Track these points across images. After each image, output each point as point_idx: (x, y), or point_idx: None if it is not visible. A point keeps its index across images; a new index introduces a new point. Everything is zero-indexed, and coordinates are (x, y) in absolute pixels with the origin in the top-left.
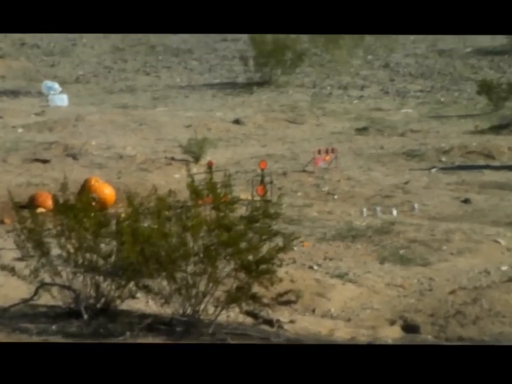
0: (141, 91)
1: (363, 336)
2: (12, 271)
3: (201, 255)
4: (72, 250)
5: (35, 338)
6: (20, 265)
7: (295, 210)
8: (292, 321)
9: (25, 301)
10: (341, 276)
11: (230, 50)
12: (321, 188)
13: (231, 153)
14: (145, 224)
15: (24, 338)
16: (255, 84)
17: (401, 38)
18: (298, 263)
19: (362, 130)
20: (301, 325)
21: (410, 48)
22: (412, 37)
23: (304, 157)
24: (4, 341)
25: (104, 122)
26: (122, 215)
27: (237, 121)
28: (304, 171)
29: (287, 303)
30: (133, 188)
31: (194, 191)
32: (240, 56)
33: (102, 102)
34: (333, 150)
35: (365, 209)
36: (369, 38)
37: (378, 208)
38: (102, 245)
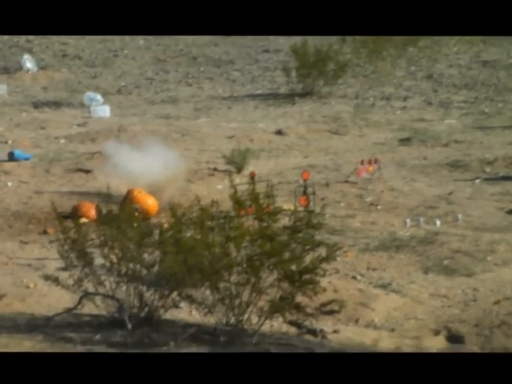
0: (183, 102)
1: (407, 347)
2: (56, 281)
3: (245, 265)
4: (115, 260)
5: (79, 348)
6: (63, 275)
7: (337, 221)
8: (335, 331)
9: (69, 310)
10: (384, 286)
11: (272, 61)
12: (364, 199)
13: (273, 164)
14: (188, 235)
15: (68, 347)
16: (297, 95)
17: (444, 48)
18: (341, 273)
19: (405, 141)
20: (344, 335)
21: (453, 58)
22: (455, 48)
23: (347, 167)
24: (49, 350)
25: (147, 133)
26: (165, 226)
27: (279, 132)
28: (347, 182)
29: (331, 313)
30: (176, 198)
31: (237, 202)
32: (282, 67)
33: (144, 112)
34: (376, 161)
35: (408, 220)
36: (412, 49)
37: (421, 219)
38: (145, 255)
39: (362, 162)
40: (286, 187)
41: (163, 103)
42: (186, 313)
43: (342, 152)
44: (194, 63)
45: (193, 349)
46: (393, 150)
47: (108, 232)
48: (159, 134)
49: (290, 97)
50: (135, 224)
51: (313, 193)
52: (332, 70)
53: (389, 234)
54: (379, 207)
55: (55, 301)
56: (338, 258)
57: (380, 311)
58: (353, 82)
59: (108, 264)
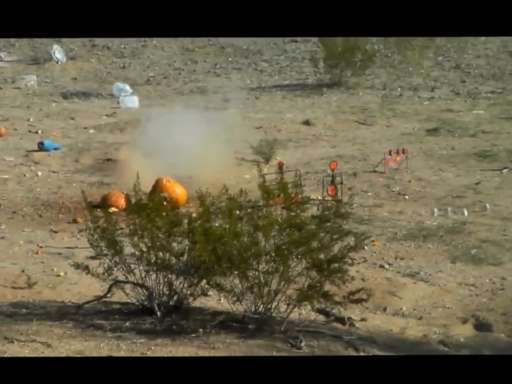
0: (212, 92)
1: (435, 334)
2: (86, 269)
3: (273, 254)
4: (144, 249)
5: (109, 335)
6: (93, 264)
7: (365, 211)
8: (363, 319)
9: (99, 298)
10: (412, 275)
11: (300, 51)
12: (392, 188)
13: (301, 154)
14: (217, 224)
15: (98, 334)
16: (325, 86)
17: (472, 39)
18: (369, 262)
19: (433, 131)
20: (372, 323)
21: (481, 49)
22: (483, 38)
23: (375, 157)
24: (78, 337)
25: (175, 124)
26: (194, 215)
27: (306, 122)
28: (374, 171)
29: (359, 301)
30: (204, 187)
31: (266, 191)
32: (310, 58)
33: (173, 103)
34: (403, 151)
35: (435, 209)
36: (439, 39)
37: (449, 209)
38: (174, 244)
39: (390, 153)
40: (314, 177)
41: (191, 94)
42: (215, 301)
43: (369, 142)
44: (222, 54)
45: (222, 336)
46: (420, 140)
47: (137, 221)
48: (187, 124)
49: (318, 87)
50: (164, 213)
51: (341, 183)
52: (360, 61)
53: (416, 224)
54: (406, 197)
55: (85, 289)
56: (366, 248)
57: (407, 300)
58: (381, 73)
59: (137, 253)
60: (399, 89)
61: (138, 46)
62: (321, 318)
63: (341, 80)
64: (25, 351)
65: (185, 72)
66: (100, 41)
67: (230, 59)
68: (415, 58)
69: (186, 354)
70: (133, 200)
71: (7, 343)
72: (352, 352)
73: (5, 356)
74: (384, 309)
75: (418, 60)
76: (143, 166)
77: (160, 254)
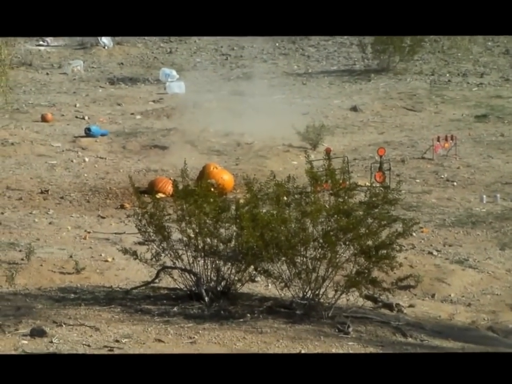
0: (258, 78)
1: (483, 321)
2: (134, 254)
3: (321, 240)
4: (192, 234)
5: (157, 319)
6: (140, 249)
7: (413, 197)
8: (411, 306)
9: (147, 283)
10: (461, 262)
11: (347, 37)
12: (440, 175)
13: (348, 140)
14: (265, 210)
15: (146, 319)
16: (372, 71)
17: None
18: (417, 249)
19: (482, 118)
20: (420, 309)
21: None
22: None
23: (423, 144)
24: (126, 322)
25: (222, 110)
26: (242, 201)
27: (354, 109)
28: (423, 158)
29: (407, 287)
30: (251, 174)
31: (314, 177)
32: (358, 43)
33: (219, 89)
34: (452, 137)
35: (484, 196)
36: None
37: (498, 195)
38: (222, 230)
39: (438, 139)
40: (361, 163)
41: (238, 80)
42: (262, 287)
43: (417, 129)
44: (269, 39)
45: (270, 321)
46: (469, 126)
47: (185, 207)
48: (234, 110)
49: (366, 73)
50: (212, 199)
51: (389, 170)
52: (408, 46)
53: (465, 210)
54: (455, 183)
55: (133, 274)
56: (414, 234)
57: (456, 286)
58: (430, 58)
59: (185, 238)
60: (447, 75)
61: None
62: (369, 304)
63: (389, 65)
64: (74, 335)
65: (232, 58)
66: None
67: (277, 44)
68: (464, 44)
69: (234, 338)
70: (181, 186)
71: (55, 326)
72: (400, 338)
73: (54, 339)
74: (433, 296)
75: (468, 45)
76: (190, 152)
77: (208, 240)
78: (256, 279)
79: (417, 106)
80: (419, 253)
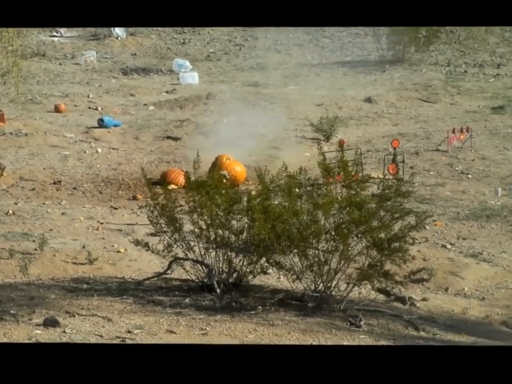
0: (272, 69)
1: (497, 315)
2: (146, 246)
3: (333, 233)
4: (204, 226)
5: (169, 310)
6: (153, 241)
7: (427, 190)
8: (424, 299)
9: (159, 274)
10: (475, 256)
11: (362, 27)
12: (455, 167)
13: (362, 132)
14: (276, 202)
15: (158, 310)
16: (387, 62)
17: None
18: (431, 242)
19: (498, 109)
20: (433, 302)
21: None
22: None
23: (438, 136)
24: (138, 313)
25: (235, 101)
26: (253, 193)
27: (368, 100)
28: (437, 150)
29: (420, 281)
30: (263, 165)
31: (326, 169)
32: (373, 34)
33: (233, 80)
34: (467, 129)
35: (499, 189)
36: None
37: None
38: (234, 222)
39: (453, 131)
40: (375, 155)
41: (252, 70)
42: (274, 279)
43: (432, 120)
44: (283, 30)
45: (281, 314)
46: (485, 118)
47: (197, 199)
48: (247, 101)
49: (381, 64)
50: (223, 191)
51: (403, 162)
52: (424, 36)
53: (479, 204)
54: (470, 176)
55: (145, 265)
56: (428, 227)
57: (470, 280)
58: (445, 49)
59: (197, 230)
60: (464, 65)
61: None
62: (381, 297)
63: (404, 56)
64: (86, 325)
65: (246, 48)
66: None
67: (291, 35)
68: (481, 34)
69: (245, 330)
70: (193, 178)
71: (68, 317)
72: (412, 332)
73: (67, 329)
74: (446, 289)
75: (484, 36)
76: (203, 143)
77: (220, 231)
78: (268, 271)
79: (432, 98)
80: (432, 246)
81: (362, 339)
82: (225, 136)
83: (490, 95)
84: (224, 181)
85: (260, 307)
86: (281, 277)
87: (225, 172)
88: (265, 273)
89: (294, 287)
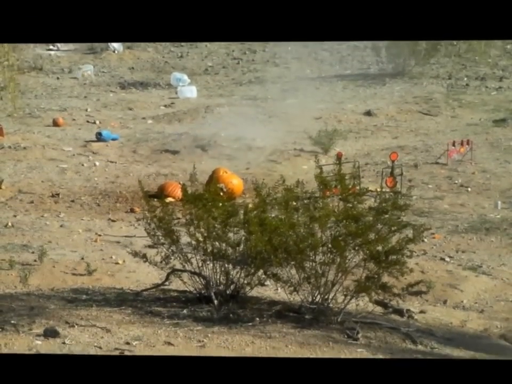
0: (270, 83)
1: (496, 328)
2: (144, 257)
3: (330, 245)
4: (201, 238)
5: (167, 322)
6: (150, 252)
7: (425, 203)
8: (422, 311)
9: (157, 285)
10: (474, 268)
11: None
12: (454, 180)
13: (361, 145)
14: (273, 214)
15: (156, 321)
16: (387, 75)
17: None
18: (429, 255)
19: (500, 122)
20: (431, 315)
21: None
22: None
23: (437, 149)
24: (137, 324)
25: (233, 114)
26: (250, 205)
27: (368, 113)
28: (436, 163)
29: (418, 293)
30: (261, 178)
31: (322, 182)
32: (372, 47)
33: (231, 93)
34: (468, 142)
35: (499, 202)
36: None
37: None
38: (231, 234)
39: (453, 144)
40: (373, 168)
41: (250, 84)
42: (272, 291)
43: (433, 133)
44: (281, 43)
45: (279, 326)
46: (487, 131)
47: (194, 211)
48: (246, 115)
49: (381, 77)
50: (220, 204)
51: (401, 175)
52: (424, 49)
53: (479, 217)
54: (469, 189)
55: (143, 276)
56: (426, 240)
57: (469, 293)
58: (446, 62)
59: (194, 242)
60: (465, 78)
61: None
62: (379, 309)
63: (405, 69)
64: (85, 336)
65: (244, 62)
66: None
67: (289, 48)
68: (481, 47)
69: (243, 343)
70: (189, 191)
71: (68, 327)
72: (409, 345)
73: (66, 340)
74: (444, 302)
75: (485, 49)
76: (201, 156)
77: (217, 243)
78: (265, 283)
79: (433, 111)
80: (431, 259)
81: (359, 352)
82: (223, 150)
83: (492, 108)
84: (221, 194)
85: (257, 318)
86: (279, 288)
87: (222, 185)
88: (262, 285)
89: (291, 298)
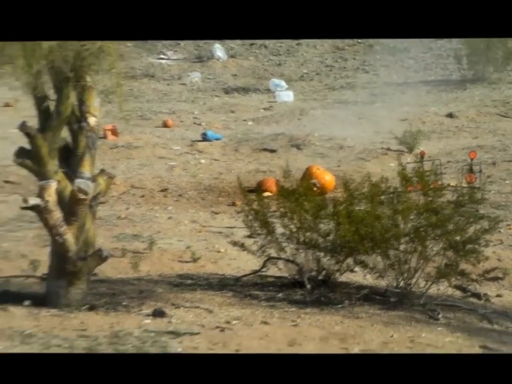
0: (360, 88)
1: None
2: (242, 246)
3: (412, 235)
4: (294, 229)
5: (264, 304)
6: (249, 242)
7: (502, 197)
8: (498, 295)
9: (255, 272)
10: None
11: (444, 49)
12: None
13: (443, 144)
14: (360, 207)
15: (254, 303)
16: (468, 81)
17: None
18: (505, 244)
19: None
20: (507, 299)
21: None
22: None
23: None
24: (236, 306)
25: (326, 116)
26: (340, 199)
27: (450, 115)
28: None
29: (495, 279)
30: (351, 175)
31: (405, 178)
32: (454, 55)
33: (325, 98)
34: None
35: None
36: None
37: None
38: (321, 225)
39: None
40: (455, 166)
41: (342, 89)
42: (360, 276)
43: (510, 134)
44: (371, 51)
45: (366, 308)
46: None
47: (287, 205)
48: (337, 117)
49: (462, 83)
50: (311, 198)
51: (480, 171)
52: (501, 57)
53: None
54: None
55: (243, 263)
56: (502, 231)
57: None
58: None
59: (287, 232)
60: None
61: (293, 44)
62: (458, 293)
63: (484, 75)
64: (190, 316)
65: (336, 69)
66: (257, 40)
67: (378, 57)
68: None
69: (333, 322)
70: (284, 186)
71: (174, 308)
72: (486, 325)
73: (172, 320)
74: None
75: None
76: (296, 155)
77: (308, 234)
78: (354, 270)
79: (510, 113)
80: (507, 248)
81: (439, 331)
82: (317, 149)
83: None
84: (315, 189)
85: (346, 301)
86: (366, 274)
87: (315, 180)
88: (351, 271)
89: (378, 283)
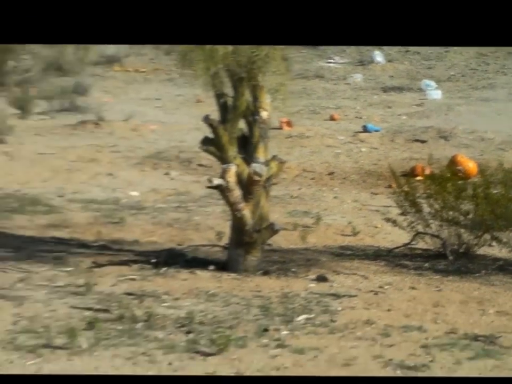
0: (500, 88)
1: None
2: (395, 223)
3: None
4: (438, 208)
5: (412, 272)
6: (400, 219)
7: None
8: None
9: (405, 244)
10: None
11: None
12: None
13: None
14: (496, 191)
15: (403, 271)
16: None
17: None
18: None
19: None
20: None
21: None
22: None
23: None
24: (389, 273)
25: (470, 112)
26: (477, 183)
27: None
28: None
29: None
30: (491, 164)
31: None
32: None
33: (468, 96)
34: None
35: None
36: None
37: None
38: (462, 205)
39: None
40: None
41: (483, 89)
42: (496, 250)
43: None
44: (510, 57)
45: (500, 276)
46: None
47: (433, 187)
48: (479, 113)
49: None
50: (453, 182)
51: None
52: None
53: None
54: None
55: (396, 237)
56: None
57: None
58: None
59: (433, 211)
60: None
61: (442, 51)
62: None
63: None
64: (348, 281)
65: (479, 72)
66: (412, 48)
67: None
68: None
69: (471, 288)
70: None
71: (335, 274)
72: None
73: (333, 284)
74: None
75: None
76: (443, 145)
77: (451, 212)
78: (491, 244)
79: None
80: None
81: None
82: (461, 140)
83: None
84: (460, 174)
85: (483, 271)
86: (501, 248)
87: (460, 167)
88: (489, 245)
89: (511, 256)
